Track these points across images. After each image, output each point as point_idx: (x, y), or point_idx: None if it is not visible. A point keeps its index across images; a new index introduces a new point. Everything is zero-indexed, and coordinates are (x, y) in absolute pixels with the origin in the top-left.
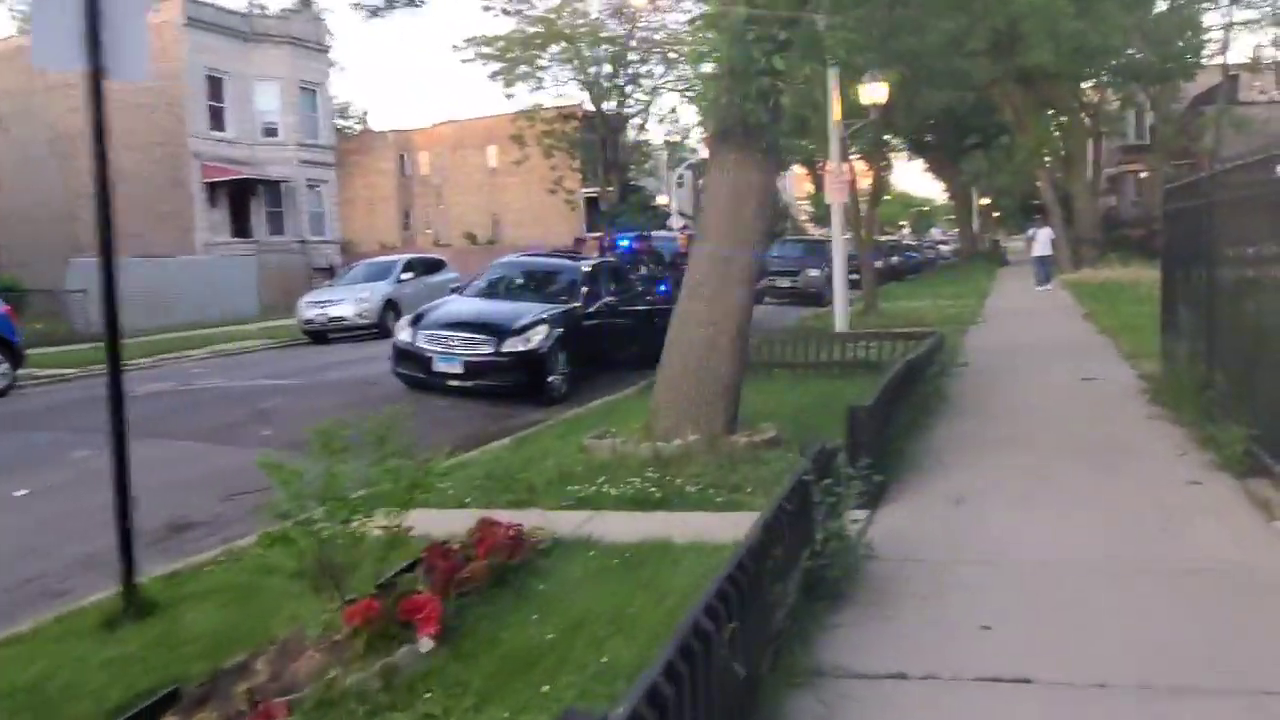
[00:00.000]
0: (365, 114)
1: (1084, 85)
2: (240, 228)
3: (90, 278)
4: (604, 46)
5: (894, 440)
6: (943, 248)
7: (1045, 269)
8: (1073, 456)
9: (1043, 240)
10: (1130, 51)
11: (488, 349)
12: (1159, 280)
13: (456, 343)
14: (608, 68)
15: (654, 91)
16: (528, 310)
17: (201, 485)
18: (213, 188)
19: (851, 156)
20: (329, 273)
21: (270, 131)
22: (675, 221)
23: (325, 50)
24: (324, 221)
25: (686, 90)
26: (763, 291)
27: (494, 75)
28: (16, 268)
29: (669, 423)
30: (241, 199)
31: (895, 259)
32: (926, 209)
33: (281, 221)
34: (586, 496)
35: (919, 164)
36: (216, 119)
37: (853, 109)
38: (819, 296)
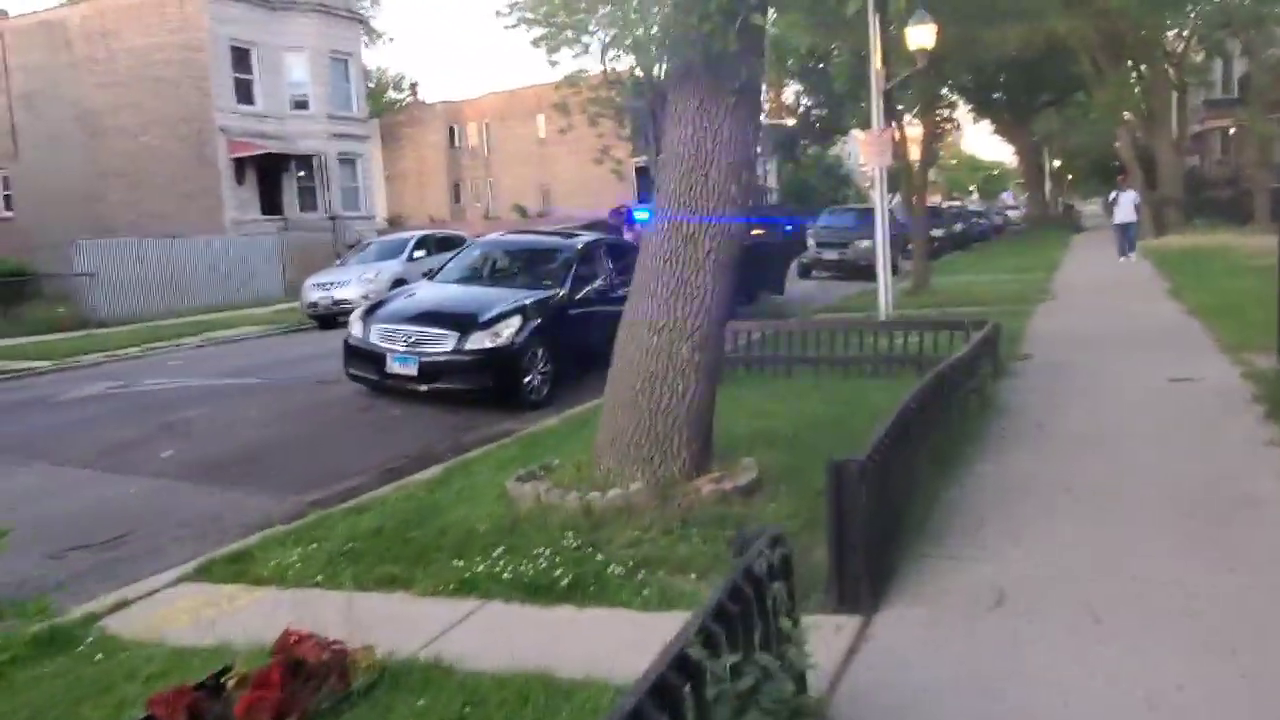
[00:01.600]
0: (415, 86)
1: (1168, 34)
2: (270, 205)
3: (98, 259)
4: (651, 8)
5: (912, 494)
6: (1012, 213)
7: (1128, 238)
8: (1166, 517)
9: (1125, 205)
10: None
11: (448, 346)
12: (1275, 249)
13: (413, 338)
14: (655, 30)
15: None
16: (500, 299)
17: (42, 532)
18: (240, 163)
19: (907, 114)
20: None
21: (300, 104)
22: None
23: (357, 18)
24: (359, 196)
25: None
26: (809, 265)
27: (536, 41)
28: (46, 249)
29: (612, 462)
30: (271, 175)
31: (959, 226)
32: (996, 173)
33: (314, 197)
34: (476, 576)
35: (987, 125)
36: (244, 92)
37: (904, 59)
38: (870, 269)
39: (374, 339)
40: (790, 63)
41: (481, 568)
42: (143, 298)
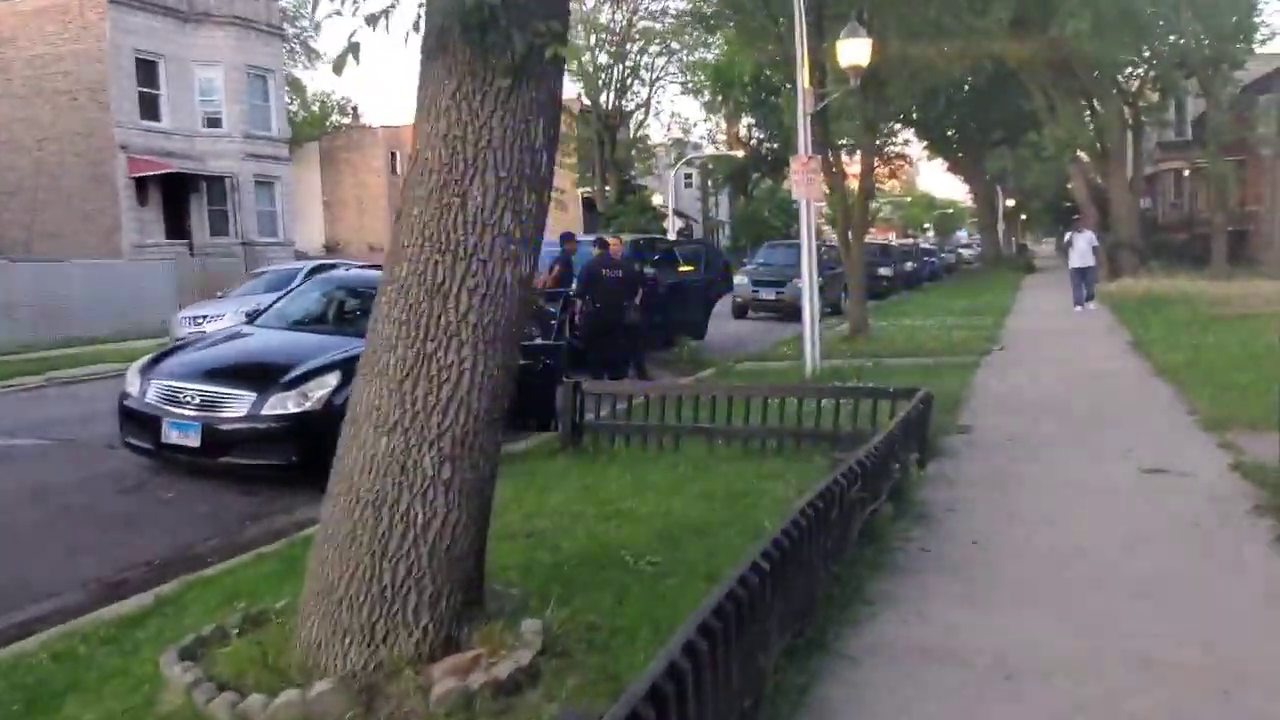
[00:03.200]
0: (355, 109)
1: (1124, 73)
2: (177, 228)
3: None
4: (601, 34)
5: (757, 700)
6: (965, 252)
7: (1086, 284)
8: None
9: (1082, 247)
10: (1173, 38)
11: (241, 409)
12: (1241, 297)
13: (198, 399)
14: (603, 58)
15: (655, 84)
16: (320, 350)
17: None
18: (142, 183)
19: (847, 145)
20: None
21: (214, 121)
22: (673, 223)
23: (279, 33)
24: (276, 221)
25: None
26: (744, 305)
27: None
28: None
29: (318, 632)
30: (178, 196)
31: (909, 265)
32: (951, 211)
33: (226, 221)
34: None
35: (941, 163)
36: (149, 107)
37: (840, 79)
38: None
39: (151, 398)
40: (742, 96)
41: None
42: (9, 327)
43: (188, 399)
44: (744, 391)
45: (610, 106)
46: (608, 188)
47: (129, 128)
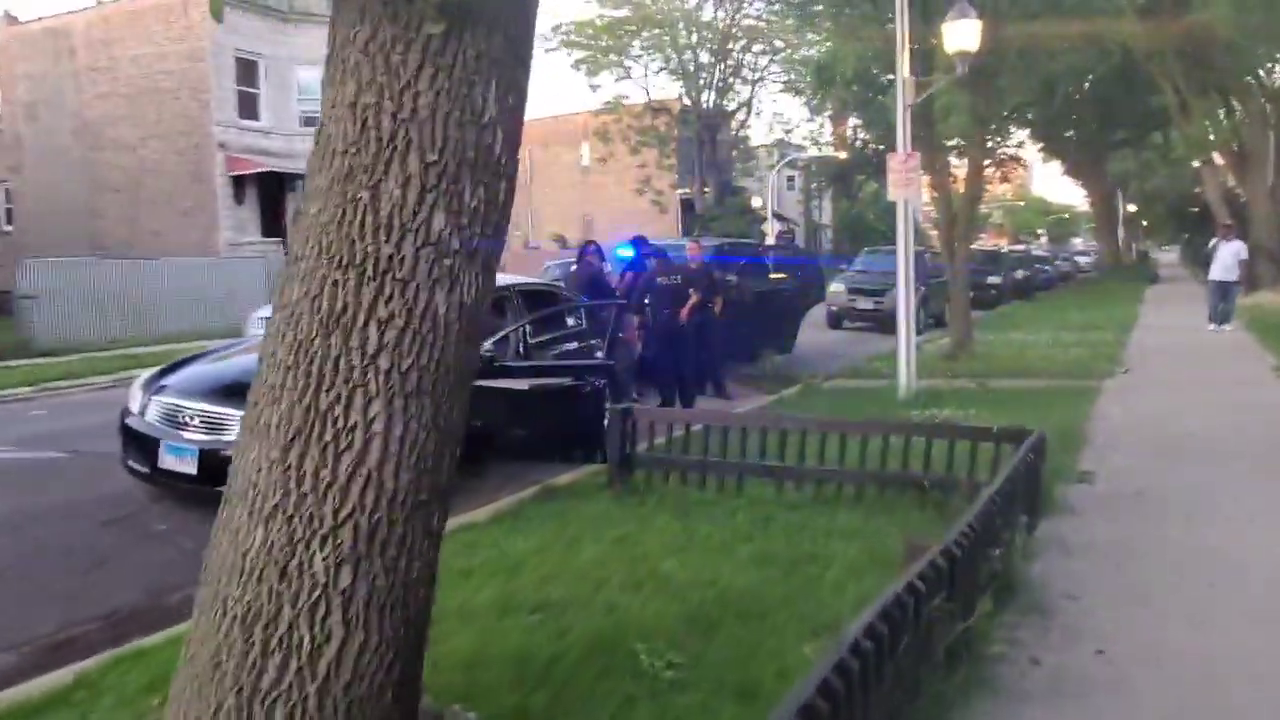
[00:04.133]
0: None
1: (1266, 65)
2: (271, 226)
3: (48, 280)
4: (703, 32)
5: None
6: (1081, 259)
7: (1228, 299)
8: None
9: (1226, 259)
10: None
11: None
12: None
13: (198, 420)
14: (705, 56)
15: (757, 83)
16: None
17: None
18: (239, 181)
19: (953, 144)
20: None
21: (311, 121)
22: (773, 226)
23: None
24: None
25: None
26: (840, 314)
27: (576, 65)
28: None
29: None
30: (274, 195)
31: (1021, 273)
32: (1066, 216)
33: None
34: None
35: (1057, 167)
36: (248, 106)
37: (945, 68)
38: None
39: (151, 417)
40: (846, 94)
41: None
42: (98, 324)
43: (187, 419)
44: (818, 426)
45: (710, 106)
46: (707, 189)
47: (228, 127)
